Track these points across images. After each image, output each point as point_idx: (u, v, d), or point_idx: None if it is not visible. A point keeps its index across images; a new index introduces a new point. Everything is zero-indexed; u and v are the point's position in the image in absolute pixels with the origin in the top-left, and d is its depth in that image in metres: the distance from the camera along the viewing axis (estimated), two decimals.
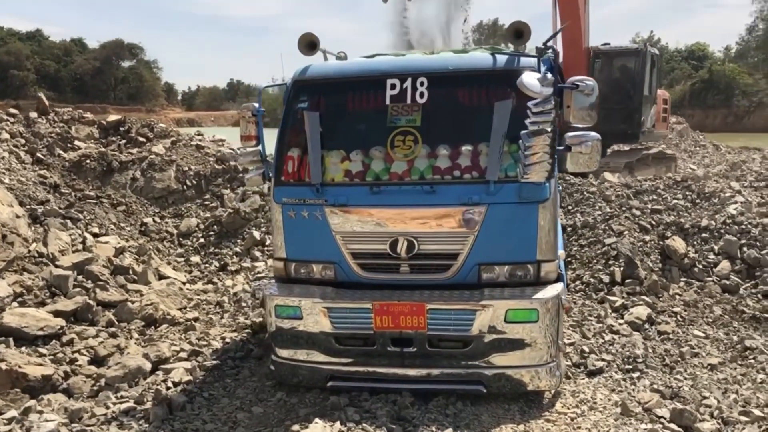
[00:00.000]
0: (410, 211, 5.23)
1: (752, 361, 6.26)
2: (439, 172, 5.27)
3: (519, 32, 5.36)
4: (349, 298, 5.29)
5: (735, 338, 6.78)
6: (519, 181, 5.02)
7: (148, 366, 5.97)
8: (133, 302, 8.44)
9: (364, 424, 4.65)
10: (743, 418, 4.90)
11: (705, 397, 5.28)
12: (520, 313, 5.05)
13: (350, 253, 5.41)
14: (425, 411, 5.01)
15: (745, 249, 8.78)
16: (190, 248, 12.35)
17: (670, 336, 6.78)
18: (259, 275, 10.23)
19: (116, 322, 7.97)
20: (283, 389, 5.63)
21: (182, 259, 11.92)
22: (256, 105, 5.79)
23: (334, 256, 5.46)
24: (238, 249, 11.93)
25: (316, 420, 4.66)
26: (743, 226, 9.07)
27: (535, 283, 5.22)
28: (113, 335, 7.64)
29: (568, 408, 5.17)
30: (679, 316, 7.31)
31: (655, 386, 5.53)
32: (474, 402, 5.18)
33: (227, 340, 7.13)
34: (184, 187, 14.07)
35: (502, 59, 5.41)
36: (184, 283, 10.51)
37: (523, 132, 4.82)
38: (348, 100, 5.64)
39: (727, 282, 8.30)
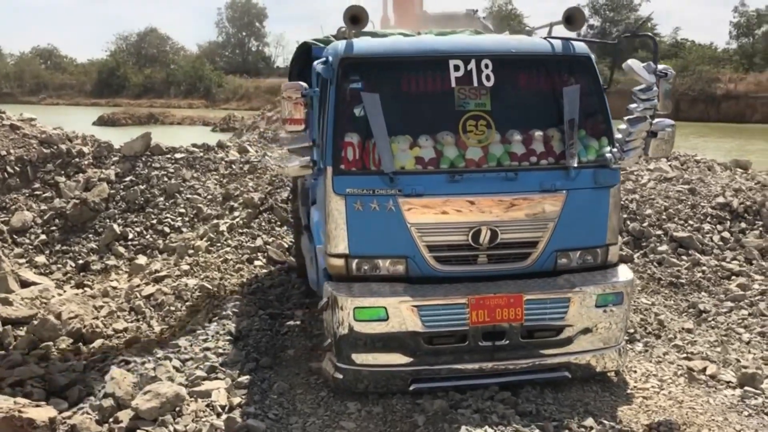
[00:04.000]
0: (492, 199, 5.03)
1: (713, 322, 7.03)
2: (516, 158, 5.13)
3: (571, 18, 5.41)
4: (442, 294, 4.95)
5: (684, 304, 7.56)
6: (588, 166, 5.12)
7: (184, 392, 4.99)
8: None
9: (517, 426, 4.40)
10: None
11: (737, 360, 5.85)
12: (609, 296, 5.14)
13: (426, 246, 5.05)
14: (529, 401, 4.90)
15: (628, 222, 9.80)
16: (30, 247, 10.61)
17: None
18: (158, 275, 9.09)
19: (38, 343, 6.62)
20: (351, 398, 5.11)
21: (24, 260, 10.20)
22: (304, 84, 5.11)
23: (407, 249, 5.06)
24: (93, 245, 10.51)
25: (466, 429, 4.30)
26: (622, 203, 10.03)
27: (603, 266, 5.34)
28: (44, 358, 6.35)
29: (640, 383, 5.40)
30: None
31: (684, 352, 6.00)
32: (555, 389, 5.18)
33: (212, 352, 6.25)
34: (5, 175, 11.93)
35: (558, 44, 5.41)
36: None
37: (626, 117, 4.88)
38: (406, 80, 5.23)
39: (622, 253, 9.21)
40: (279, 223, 10.75)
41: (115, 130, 37.11)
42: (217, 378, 5.44)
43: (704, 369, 5.65)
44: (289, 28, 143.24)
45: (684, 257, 8.90)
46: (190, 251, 9.67)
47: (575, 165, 5.09)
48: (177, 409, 4.83)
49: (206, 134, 33.65)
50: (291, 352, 6.29)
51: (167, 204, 11.23)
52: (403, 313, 4.91)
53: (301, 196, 8.56)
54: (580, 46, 5.43)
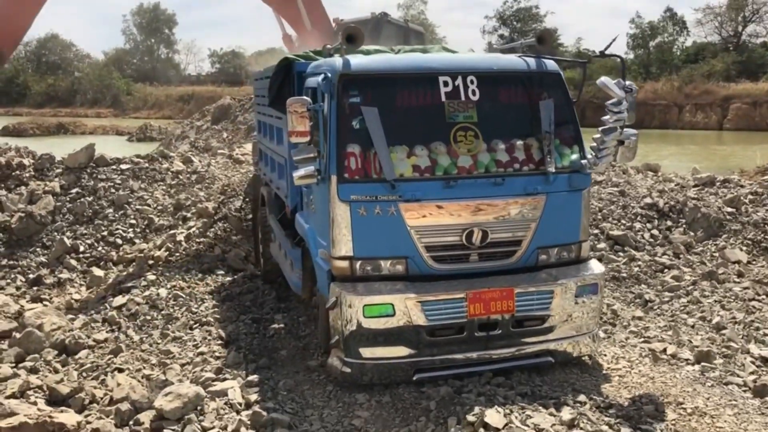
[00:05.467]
0: (483, 203, 5.55)
1: (659, 310, 7.84)
2: (501, 165, 5.68)
3: (541, 38, 6.05)
4: (443, 289, 5.42)
5: (630, 294, 8.36)
6: (564, 172, 5.75)
7: (203, 392, 5.21)
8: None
9: (521, 404, 4.91)
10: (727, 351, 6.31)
11: (689, 341, 6.61)
12: (587, 287, 5.76)
13: (425, 247, 5.51)
14: (522, 384, 5.43)
15: None
16: None
17: None
18: (124, 285, 9.11)
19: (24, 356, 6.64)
20: (359, 390, 5.49)
21: None
22: (308, 99, 5.48)
23: (407, 250, 5.50)
24: (42, 259, 10.37)
25: (479, 408, 4.78)
26: None
27: (577, 261, 5.96)
28: (33, 371, 6.39)
29: (612, 365, 6.05)
30: None
31: (641, 337, 6.72)
32: (541, 373, 5.74)
33: (209, 356, 6.47)
34: None
35: (533, 62, 6.01)
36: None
37: (600, 128, 5.50)
38: (400, 95, 5.68)
39: None
40: (234, 231, 10.93)
41: (23, 140, 35.51)
42: (226, 378, 5.69)
43: (665, 349, 6.38)
44: (199, 35, 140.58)
45: (621, 253, 9.74)
46: (150, 262, 9.73)
47: (553, 170, 5.69)
48: (198, 408, 5.07)
49: (123, 145, 32.87)
50: (284, 352, 6.60)
51: (117, 215, 11.17)
52: (408, 309, 5.34)
53: (269, 205, 8.84)
54: (551, 64, 6.06)
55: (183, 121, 28.46)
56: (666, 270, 9.17)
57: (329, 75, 5.65)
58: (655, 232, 10.39)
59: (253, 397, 5.36)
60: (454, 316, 5.45)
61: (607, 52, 5.74)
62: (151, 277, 9.04)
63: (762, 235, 9.93)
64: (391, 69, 5.78)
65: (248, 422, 4.93)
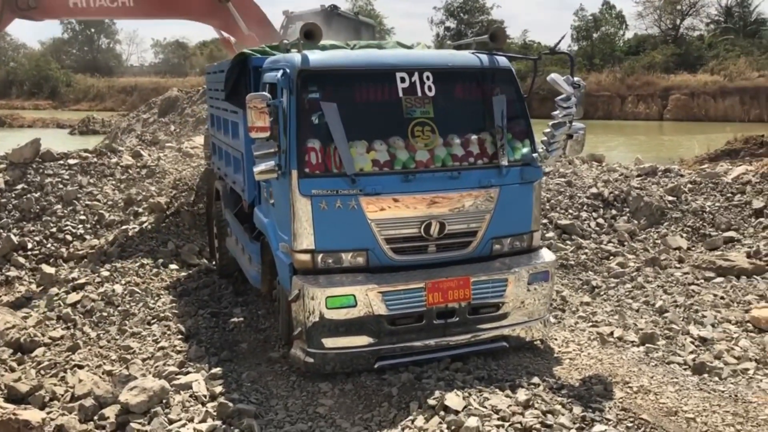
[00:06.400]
0: (440, 196, 5.73)
1: (605, 296, 8.19)
2: (457, 159, 5.87)
3: (494, 35, 6.26)
4: (404, 280, 5.59)
5: (578, 281, 8.70)
6: (516, 165, 5.99)
7: (167, 385, 5.26)
8: None
9: (479, 387, 5.12)
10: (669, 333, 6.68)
11: (634, 324, 6.95)
12: (539, 275, 6.01)
13: (384, 239, 5.67)
14: (479, 368, 5.65)
15: None
16: None
17: None
18: (77, 282, 9.01)
19: None
20: (322, 380, 5.63)
21: None
22: (268, 95, 5.55)
23: (368, 243, 5.65)
24: None
25: (439, 392, 4.97)
26: None
27: (528, 250, 6.21)
28: None
29: (563, 348, 6.33)
30: None
31: (590, 321, 7.04)
32: (496, 357, 5.97)
33: (171, 350, 6.50)
34: None
35: (485, 58, 6.22)
36: None
37: (551, 123, 5.74)
38: (358, 90, 5.81)
39: None
40: (188, 226, 10.89)
41: None
42: (189, 372, 5.75)
43: (612, 333, 6.71)
44: (141, 23, 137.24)
45: (568, 242, 10.10)
46: (103, 258, 9.64)
47: (506, 164, 5.91)
48: (164, 401, 5.13)
49: (65, 138, 32.04)
50: (245, 345, 6.68)
51: (66, 211, 10.98)
52: (370, 299, 5.50)
53: (224, 199, 8.87)
54: (503, 61, 6.27)
55: (128, 114, 27.85)
56: (611, 257, 9.56)
57: (288, 70, 5.74)
58: (600, 220, 10.79)
59: (218, 389, 5.44)
60: (414, 305, 5.63)
61: (556, 49, 5.97)
62: (105, 273, 8.96)
63: (701, 223, 10.42)
64: (350, 65, 5.90)
65: (214, 413, 5.01)
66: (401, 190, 5.64)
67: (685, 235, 10.23)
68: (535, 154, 5.98)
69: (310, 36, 5.74)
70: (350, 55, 6.18)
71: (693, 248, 9.90)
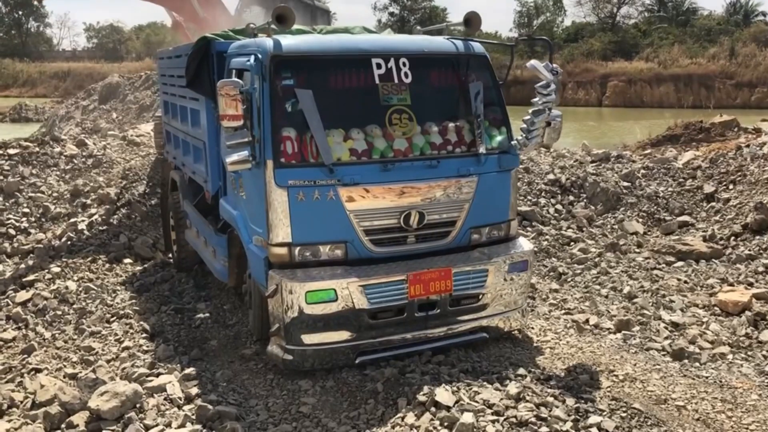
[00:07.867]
0: (419, 185, 5.59)
1: (573, 282, 8.24)
2: (435, 147, 5.74)
3: (469, 21, 6.15)
4: (385, 272, 5.43)
5: (544, 268, 8.73)
6: (494, 153, 5.90)
7: (140, 389, 4.97)
8: None
9: (467, 381, 5.02)
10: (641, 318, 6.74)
11: (607, 311, 6.99)
12: (518, 265, 5.94)
13: (363, 230, 5.50)
14: (461, 361, 5.56)
15: None
16: None
17: None
18: (26, 278, 8.54)
19: None
20: (302, 377, 5.44)
21: None
22: (240, 81, 5.29)
23: (346, 234, 5.47)
24: None
25: (428, 387, 4.85)
26: None
27: (506, 239, 6.15)
28: None
29: (541, 337, 6.31)
30: None
31: (562, 309, 7.05)
32: (476, 349, 5.90)
33: (136, 350, 6.19)
34: None
35: (461, 44, 6.09)
36: None
37: (530, 110, 5.66)
38: (333, 77, 5.61)
39: None
40: (140, 218, 10.47)
41: None
42: (161, 373, 5.47)
43: (587, 320, 6.73)
44: (72, 7, 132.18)
45: (529, 228, 10.13)
46: (51, 252, 9.17)
47: (484, 152, 5.81)
48: (138, 406, 4.85)
49: None
50: (214, 342, 6.43)
51: (8, 204, 10.39)
52: (351, 293, 5.33)
53: (182, 190, 8.53)
54: (478, 47, 6.16)
55: (65, 101, 26.69)
56: (572, 243, 9.63)
57: (260, 56, 5.48)
58: (558, 206, 10.87)
59: (194, 390, 5.18)
60: (396, 298, 5.49)
61: (533, 35, 5.88)
62: (55, 269, 8.51)
63: (655, 208, 10.60)
64: (325, 50, 5.68)
65: (193, 417, 4.77)
66: (380, 179, 5.47)
67: (641, 220, 10.39)
68: (513, 142, 5.90)
69: (282, 20, 5.50)
70: (324, 41, 5.94)
71: (649, 233, 10.08)
